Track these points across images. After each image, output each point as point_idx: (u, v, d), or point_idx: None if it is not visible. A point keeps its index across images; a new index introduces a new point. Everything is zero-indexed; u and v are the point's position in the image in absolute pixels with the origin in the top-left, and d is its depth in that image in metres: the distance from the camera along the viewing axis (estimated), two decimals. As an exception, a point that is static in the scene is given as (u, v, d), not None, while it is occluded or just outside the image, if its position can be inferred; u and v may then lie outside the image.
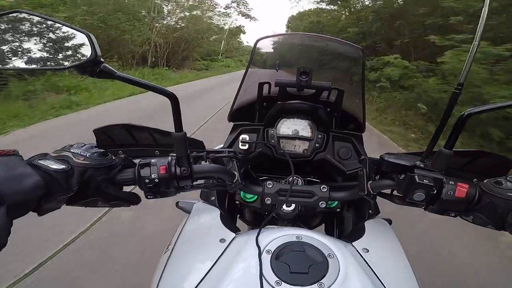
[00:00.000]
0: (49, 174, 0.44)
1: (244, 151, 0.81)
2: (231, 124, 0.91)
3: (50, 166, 0.45)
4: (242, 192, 0.80)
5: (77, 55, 0.47)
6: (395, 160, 0.59)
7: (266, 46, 1.00)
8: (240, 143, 0.80)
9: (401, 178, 0.58)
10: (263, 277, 0.47)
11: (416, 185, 0.54)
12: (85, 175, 0.49)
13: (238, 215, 0.93)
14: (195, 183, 0.60)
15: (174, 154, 0.56)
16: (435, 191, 0.54)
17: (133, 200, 0.59)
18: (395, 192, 0.61)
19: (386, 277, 0.54)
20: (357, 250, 0.60)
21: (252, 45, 0.89)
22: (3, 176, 0.38)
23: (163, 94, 0.51)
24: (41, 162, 0.45)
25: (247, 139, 0.81)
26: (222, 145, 0.86)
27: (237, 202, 0.83)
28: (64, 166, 0.46)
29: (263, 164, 0.87)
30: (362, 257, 0.58)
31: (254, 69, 0.85)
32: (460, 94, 0.50)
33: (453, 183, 0.53)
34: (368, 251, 0.59)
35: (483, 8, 0.49)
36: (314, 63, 0.96)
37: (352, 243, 0.62)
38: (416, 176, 0.54)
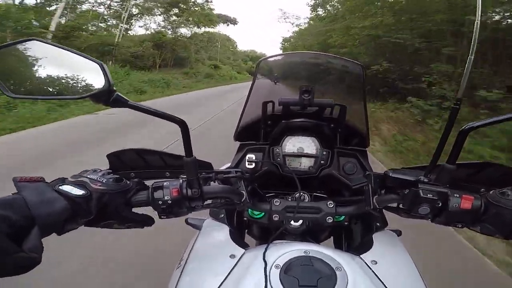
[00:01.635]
0: (72, 199, 0.47)
1: (251, 170, 0.83)
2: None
3: (72, 192, 0.48)
4: (250, 209, 0.81)
5: (91, 84, 0.49)
6: (399, 175, 0.61)
7: (268, 66, 1.03)
8: (246, 162, 0.82)
9: (405, 192, 0.59)
10: None
11: (421, 199, 0.55)
12: (102, 200, 0.52)
13: (246, 230, 0.94)
14: (205, 203, 0.62)
15: (185, 176, 0.59)
16: (440, 204, 0.55)
17: (147, 221, 0.62)
18: (401, 205, 0.62)
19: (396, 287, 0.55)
20: (365, 263, 0.60)
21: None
22: (35, 200, 0.42)
23: (173, 121, 0.54)
24: (63, 188, 0.48)
25: (253, 158, 0.83)
26: (229, 164, 0.88)
27: (245, 218, 0.84)
28: (83, 192, 0.49)
29: (270, 181, 0.88)
30: (370, 269, 0.58)
31: (257, 89, 0.87)
32: (459, 109, 0.51)
33: (458, 195, 0.54)
34: (376, 263, 0.60)
35: (476, 22, 0.51)
36: (315, 81, 0.99)
37: (360, 255, 0.62)
38: (420, 191, 0.55)
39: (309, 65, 1.05)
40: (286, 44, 30.48)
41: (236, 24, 38.33)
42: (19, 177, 0.45)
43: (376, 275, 0.57)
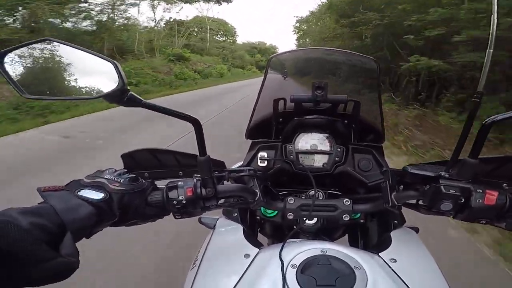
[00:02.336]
0: (95, 204, 0.48)
1: (263, 168, 0.82)
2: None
3: (93, 197, 0.49)
4: (262, 208, 0.80)
5: (105, 84, 0.49)
6: (419, 171, 0.59)
7: (280, 63, 1.02)
8: (259, 161, 0.81)
9: (426, 188, 0.57)
10: None
11: (443, 195, 0.54)
12: (123, 201, 0.53)
13: (258, 229, 0.93)
14: (219, 202, 0.62)
15: (198, 176, 0.59)
16: (463, 200, 0.54)
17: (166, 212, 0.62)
18: (420, 202, 0.60)
19: (417, 285, 0.54)
20: (384, 261, 0.59)
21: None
22: (63, 207, 0.43)
23: (186, 120, 0.53)
24: (83, 194, 0.49)
25: (266, 156, 0.82)
26: (241, 163, 0.87)
27: (258, 217, 0.83)
28: (103, 195, 0.50)
29: (282, 179, 0.87)
30: (390, 267, 0.57)
31: (268, 86, 0.86)
32: (480, 102, 0.50)
33: (481, 191, 0.53)
34: (395, 261, 0.59)
35: (492, 16, 0.49)
36: (328, 77, 0.97)
37: (379, 253, 0.61)
38: (442, 187, 0.54)
39: (322, 61, 1.04)
40: (302, 27, 25.51)
41: (230, 2, 30.87)
42: (42, 187, 0.46)
43: (396, 273, 0.56)
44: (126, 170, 0.58)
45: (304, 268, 0.52)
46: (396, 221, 0.75)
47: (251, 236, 0.71)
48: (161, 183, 0.62)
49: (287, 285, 0.49)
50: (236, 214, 0.81)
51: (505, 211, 0.53)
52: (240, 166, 0.83)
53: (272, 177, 0.84)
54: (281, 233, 0.91)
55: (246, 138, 0.92)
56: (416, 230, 0.76)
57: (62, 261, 0.38)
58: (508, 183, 0.62)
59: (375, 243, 0.79)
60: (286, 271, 0.52)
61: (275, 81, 0.93)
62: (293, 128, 0.87)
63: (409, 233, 0.72)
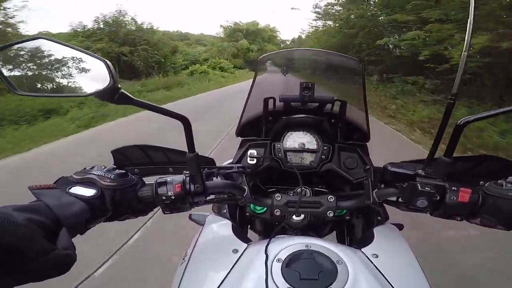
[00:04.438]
0: (87, 201, 0.49)
1: (253, 165, 0.84)
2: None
3: (85, 194, 0.49)
4: (252, 204, 0.82)
5: (96, 82, 0.50)
6: (397, 169, 0.62)
7: (269, 63, 1.04)
8: (248, 158, 0.83)
9: (404, 186, 0.60)
10: (274, 284, 0.49)
11: (419, 193, 0.56)
12: (115, 196, 0.53)
13: (249, 226, 0.95)
14: (208, 198, 0.63)
15: (188, 172, 0.60)
16: (438, 197, 0.56)
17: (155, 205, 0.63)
18: (400, 199, 0.63)
19: (397, 281, 0.56)
20: (366, 256, 0.61)
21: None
22: (57, 204, 0.44)
23: (176, 118, 0.55)
24: (74, 191, 0.49)
25: (255, 154, 0.84)
26: (231, 160, 0.89)
27: (247, 213, 0.85)
28: (95, 191, 0.50)
29: (271, 176, 0.89)
30: (371, 262, 0.59)
31: (258, 85, 0.88)
32: (454, 104, 0.52)
33: (455, 188, 0.55)
34: (377, 256, 0.61)
35: (469, 19, 0.52)
36: (315, 77, 1.00)
37: (361, 249, 0.63)
38: (418, 184, 0.56)
39: (309, 62, 1.07)
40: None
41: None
42: (33, 185, 0.47)
43: (377, 268, 0.58)
44: (115, 166, 0.59)
45: (289, 263, 0.54)
46: (379, 218, 0.77)
47: (240, 232, 0.73)
48: (150, 179, 0.63)
49: (272, 279, 0.51)
50: (225, 211, 0.82)
51: (478, 207, 0.55)
52: (230, 164, 0.85)
53: (261, 174, 0.86)
54: (270, 229, 0.93)
55: (236, 136, 0.94)
56: (401, 227, 0.78)
57: (60, 253, 0.39)
58: (483, 181, 0.65)
59: (359, 238, 0.81)
60: (272, 265, 0.53)
61: (265, 80, 0.95)
62: (281, 126, 0.89)
63: (391, 230, 0.75)
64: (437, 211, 0.58)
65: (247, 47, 37.02)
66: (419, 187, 0.56)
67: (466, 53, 0.51)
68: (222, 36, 40.79)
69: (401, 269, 0.61)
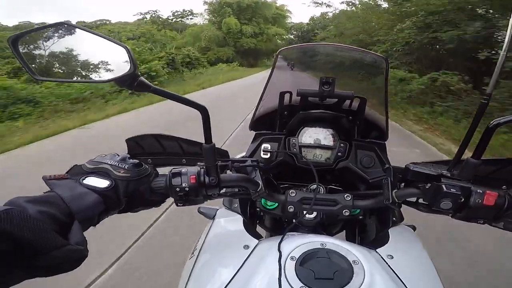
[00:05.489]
0: (101, 193, 0.48)
1: (266, 160, 0.83)
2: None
3: (98, 185, 0.49)
4: (263, 199, 0.81)
5: (116, 68, 0.49)
6: (421, 169, 0.60)
7: (288, 57, 1.02)
8: (262, 152, 0.82)
9: (427, 187, 0.58)
10: (287, 283, 0.48)
11: (443, 194, 0.54)
12: (129, 188, 0.53)
13: (257, 221, 0.94)
14: (221, 191, 0.62)
15: (202, 164, 0.59)
16: (463, 199, 0.54)
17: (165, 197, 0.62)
18: (420, 200, 0.61)
19: (412, 282, 0.55)
20: (381, 257, 0.60)
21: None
22: (70, 196, 0.43)
23: (194, 107, 0.54)
24: (88, 182, 0.49)
25: (269, 148, 0.82)
26: (244, 153, 0.88)
27: (258, 209, 0.84)
28: (109, 182, 0.50)
29: (284, 171, 0.88)
30: (387, 263, 0.59)
31: (275, 79, 0.87)
32: (487, 104, 0.50)
33: (481, 191, 0.54)
34: (392, 257, 0.60)
35: (510, 19, 0.49)
36: (336, 72, 0.98)
37: (377, 249, 0.63)
38: (443, 185, 0.55)
39: (330, 57, 1.04)
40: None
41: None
42: (47, 175, 0.46)
43: (392, 270, 0.57)
44: (128, 156, 0.58)
45: (303, 261, 0.53)
46: (394, 218, 0.76)
47: (250, 228, 0.72)
48: (163, 170, 0.62)
49: (286, 277, 0.50)
50: (236, 205, 0.82)
51: (503, 212, 0.54)
52: (243, 157, 0.84)
53: (274, 169, 0.85)
54: (280, 226, 0.92)
55: (249, 130, 0.93)
56: (413, 228, 0.77)
57: (72, 248, 0.38)
58: (507, 185, 0.63)
59: (373, 239, 0.80)
60: (285, 263, 0.52)
61: (281, 75, 0.94)
62: (298, 121, 0.87)
63: (406, 231, 0.73)
64: (459, 213, 0.57)
65: (236, 27, 26.16)
66: (444, 188, 0.54)
67: (505, 53, 0.48)
68: (206, 16, 30.16)
69: (416, 271, 0.60)
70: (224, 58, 26.14)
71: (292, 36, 48.73)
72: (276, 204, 0.80)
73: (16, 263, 0.34)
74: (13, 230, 0.33)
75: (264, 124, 0.91)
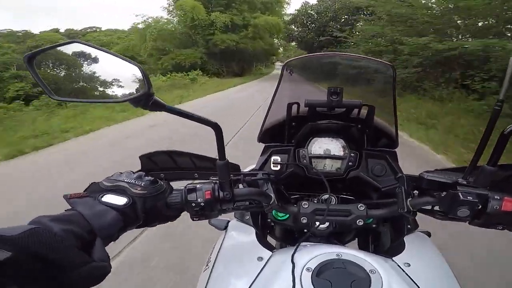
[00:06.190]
0: (119, 210, 0.49)
1: (276, 172, 0.83)
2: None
3: (116, 203, 0.50)
4: (274, 210, 0.81)
5: (130, 87, 0.50)
6: (435, 177, 0.60)
7: (295, 68, 1.02)
8: (272, 164, 0.82)
9: (442, 195, 0.58)
10: None
11: (460, 202, 0.54)
12: (146, 204, 0.54)
13: (268, 231, 0.94)
14: (235, 205, 0.63)
15: (215, 178, 0.60)
16: (480, 206, 0.54)
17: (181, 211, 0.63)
18: (436, 208, 0.61)
19: None
20: (398, 265, 0.60)
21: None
22: (91, 214, 0.44)
23: (207, 125, 0.55)
24: (106, 200, 0.50)
25: (279, 160, 0.83)
26: (254, 166, 0.88)
27: (269, 220, 0.84)
28: (126, 200, 0.51)
29: (294, 183, 0.88)
30: (404, 271, 0.58)
31: (282, 90, 0.87)
32: (500, 110, 0.50)
33: (499, 197, 0.53)
34: (409, 265, 0.60)
35: None
36: (343, 82, 0.98)
37: (393, 258, 0.62)
38: (460, 193, 0.54)
39: (337, 66, 1.05)
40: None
41: None
42: (68, 194, 0.48)
43: (410, 278, 0.56)
44: (143, 173, 0.59)
45: (319, 272, 0.52)
46: (409, 226, 0.75)
47: (262, 239, 0.72)
48: (176, 185, 0.63)
49: None
50: (248, 217, 0.82)
51: None
52: (253, 170, 0.84)
53: (284, 181, 0.85)
54: (291, 236, 0.92)
55: (258, 142, 0.93)
56: (428, 234, 0.76)
57: (96, 265, 0.39)
58: None
59: (388, 247, 0.79)
60: (301, 274, 0.52)
61: (288, 86, 0.94)
62: (306, 132, 0.87)
63: (422, 238, 0.73)
64: (477, 220, 0.56)
65: (204, 17, 18.30)
66: (461, 196, 0.54)
67: None
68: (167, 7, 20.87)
69: (434, 278, 0.60)
70: (188, 64, 18.59)
71: (294, 28, 33.83)
72: (288, 215, 0.80)
73: (43, 282, 0.34)
74: (41, 249, 0.34)
75: (272, 135, 0.91)
